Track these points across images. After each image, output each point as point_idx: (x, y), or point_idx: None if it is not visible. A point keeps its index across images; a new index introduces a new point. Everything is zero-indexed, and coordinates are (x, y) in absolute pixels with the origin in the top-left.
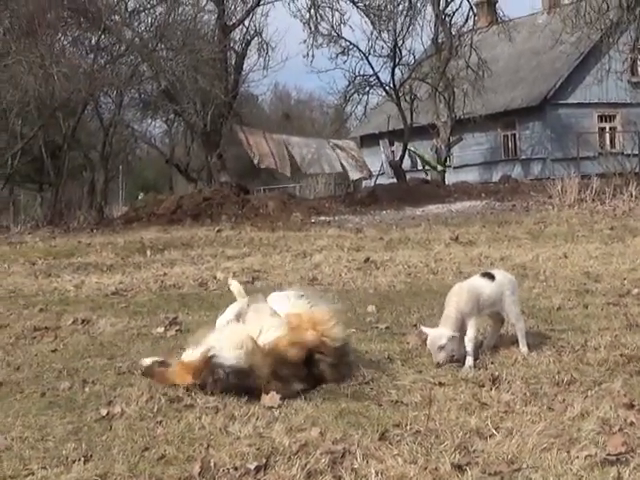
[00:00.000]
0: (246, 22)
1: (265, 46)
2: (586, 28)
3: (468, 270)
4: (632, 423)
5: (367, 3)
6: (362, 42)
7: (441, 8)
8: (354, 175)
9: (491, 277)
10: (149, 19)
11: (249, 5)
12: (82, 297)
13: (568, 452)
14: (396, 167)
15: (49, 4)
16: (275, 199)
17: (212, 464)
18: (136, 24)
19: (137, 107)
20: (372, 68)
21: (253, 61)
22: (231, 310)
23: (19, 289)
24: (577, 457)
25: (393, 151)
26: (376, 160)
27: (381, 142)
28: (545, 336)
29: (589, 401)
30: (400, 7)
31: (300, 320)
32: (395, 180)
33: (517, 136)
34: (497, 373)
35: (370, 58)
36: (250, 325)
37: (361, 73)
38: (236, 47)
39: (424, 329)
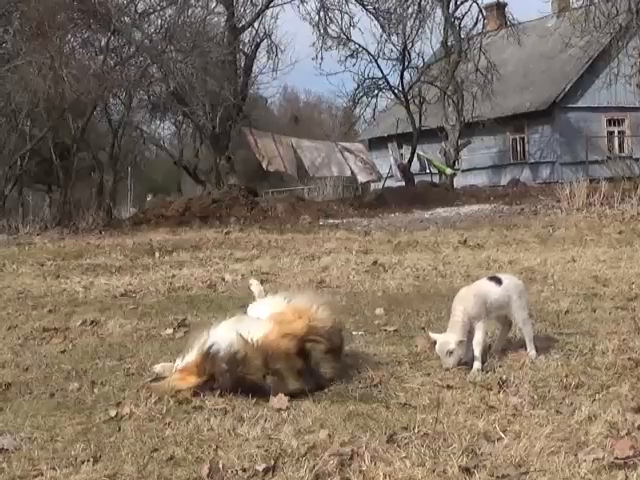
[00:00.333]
0: (255, 24)
1: (274, 48)
2: (595, 32)
3: (476, 273)
4: None
5: (377, 6)
6: (371, 45)
7: (450, 11)
8: (363, 178)
9: (498, 281)
10: (159, 21)
11: (259, 7)
12: (91, 298)
13: (576, 455)
14: (404, 170)
15: (59, 6)
16: (284, 201)
17: (220, 465)
18: (146, 26)
19: (146, 109)
20: (381, 71)
21: (262, 63)
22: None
23: (28, 290)
24: (585, 461)
25: (402, 154)
26: (385, 163)
27: (390, 145)
28: (553, 340)
29: (597, 405)
30: (409, 10)
31: (284, 315)
32: (403, 183)
33: (526, 140)
34: (505, 376)
35: (379, 61)
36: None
37: (370, 76)
38: (245, 49)
39: (432, 335)
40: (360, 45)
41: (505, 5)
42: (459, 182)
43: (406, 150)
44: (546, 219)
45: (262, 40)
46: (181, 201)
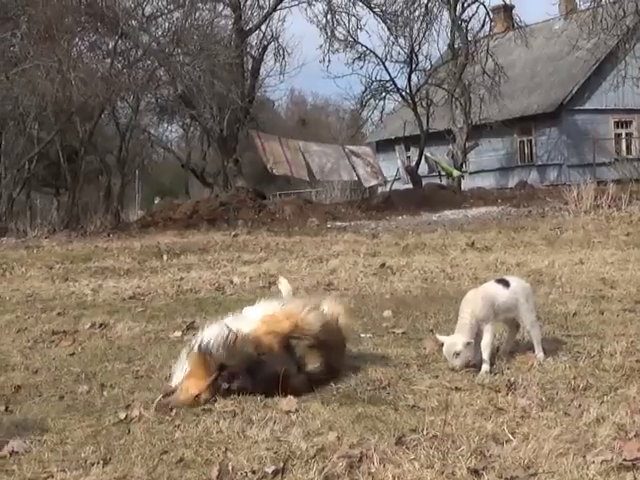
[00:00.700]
0: (263, 27)
1: (282, 51)
2: (603, 34)
3: (484, 276)
4: None
5: (384, 8)
6: (378, 47)
7: (457, 14)
8: (368, 183)
9: (506, 283)
10: (166, 24)
11: (266, 10)
12: (99, 301)
13: (584, 457)
14: (412, 172)
15: (67, 9)
16: (291, 204)
17: (230, 468)
18: (153, 29)
19: (154, 112)
20: (388, 73)
21: (270, 66)
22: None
23: (37, 293)
24: (593, 462)
25: (409, 157)
26: (392, 165)
27: (397, 147)
28: (561, 342)
29: (605, 407)
30: (417, 13)
31: (274, 317)
32: (411, 186)
33: (533, 142)
34: (513, 378)
35: (386, 63)
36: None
37: (377, 78)
38: (253, 52)
39: (439, 337)
40: (367, 48)
41: (512, 7)
42: (466, 184)
43: (413, 153)
44: (554, 221)
45: (269, 43)
46: (189, 204)
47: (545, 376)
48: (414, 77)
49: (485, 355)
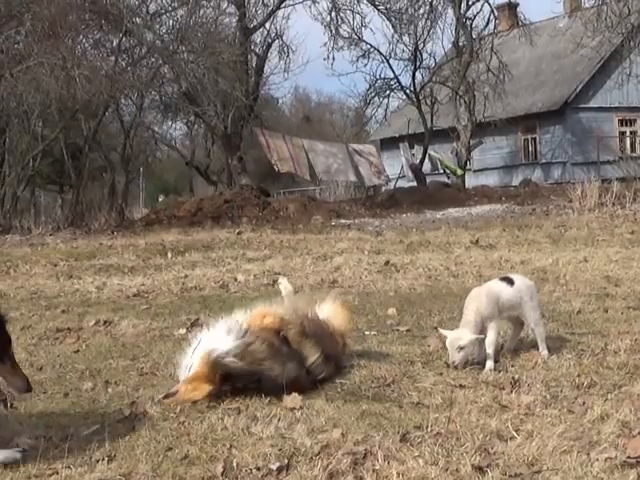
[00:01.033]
0: (267, 25)
1: (286, 49)
2: (607, 32)
3: (488, 273)
4: None
5: (388, 6)
6: (383, 45)
7: (462, 11)
8: (371, 182)
9: (510, 281)
10: (170, 21)
11: (270, 8)
12: (104, 299)
13: (588, 455)
14: (416, 170)
15: (71, 6)
16: (295, 202)
17: (235, 464)
18: (157, 26)
19: (158, 109)
20: (393, 71)
21: (274, 64)
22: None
23: (41, 290)
24: (597, 460)
25: (413, 154)
26: (396, 163)
27: (401, 145)
28: (565, 339)
29: (609, 404)
30: (421, 10)
31: (253, 320)
32: (415, 183)
33: (537, 140)
34: (517, 376)
35: (391, 61)
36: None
37: (382, 76)
38: (257, 50)
39: (443, 331)
40: (372, 45)
41: (517, 5)
42: (471, 182)
43: (418, 150)
44: (558, 219)
45: (273, 40)
46: (193, 201)
47: (549, 374)
48: (418, 75)
49: (489, 352)
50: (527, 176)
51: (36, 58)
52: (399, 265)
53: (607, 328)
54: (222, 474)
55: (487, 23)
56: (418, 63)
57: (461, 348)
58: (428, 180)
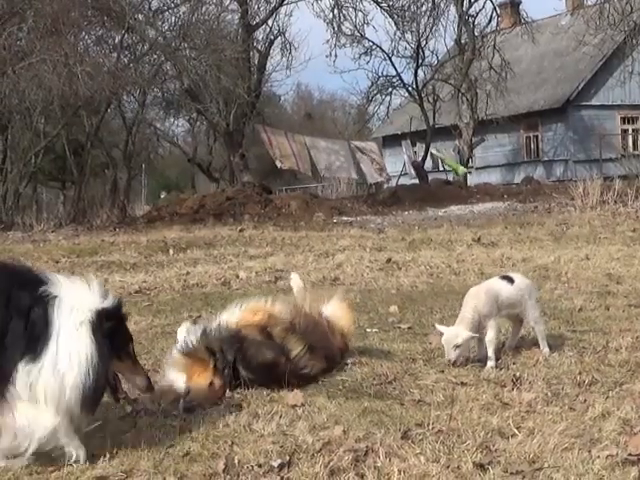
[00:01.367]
0: (269, 22)
1: (288, 46)
2: (609, 30)
3: (490, 271)
4: None
5: (390, 3)
6: (385, 43)
7: (464, 9)
8: (372, 179)
9: (510, 280)
10: (173, 18)
11: (272, 5)
12: None
13: (589, 452)
14: (418, 168)
15: (73, 3)
16: (297, 199)
17: (236, 461)
18: (160, 23)
19: (160, 106)
20: (395, 69)
21: (276, 61)
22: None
23: None
24: (598, 457)
25: (415, 152)
26: (398, 161)
27: (403, 143)
28: (567, 337)
29: (610, 402)
30: (423, 8)
31: (244, 318)
32: (417, 181)
33: (539, 137)
34: (519, 373)
35: (393, 59)
36: None
37: (384, 74)
38: (259, 47)
39: (439, 327)
40: (374, 43)
41: (519, 3)
42: (473, 180)
43: (420, 148)
44: (560, 217)
45: (276, 37)
46: (195, 198)
47: (551, 371)
48: (420, 72)
49: (490, 350)
50: (529, 174)
51: (38, 55)
52: (401, 262)
53: (608, 326)
54: (224, 471)
55: (489, 21)
56: (420, 60)
57: (457, 346)
58: (430, 178)
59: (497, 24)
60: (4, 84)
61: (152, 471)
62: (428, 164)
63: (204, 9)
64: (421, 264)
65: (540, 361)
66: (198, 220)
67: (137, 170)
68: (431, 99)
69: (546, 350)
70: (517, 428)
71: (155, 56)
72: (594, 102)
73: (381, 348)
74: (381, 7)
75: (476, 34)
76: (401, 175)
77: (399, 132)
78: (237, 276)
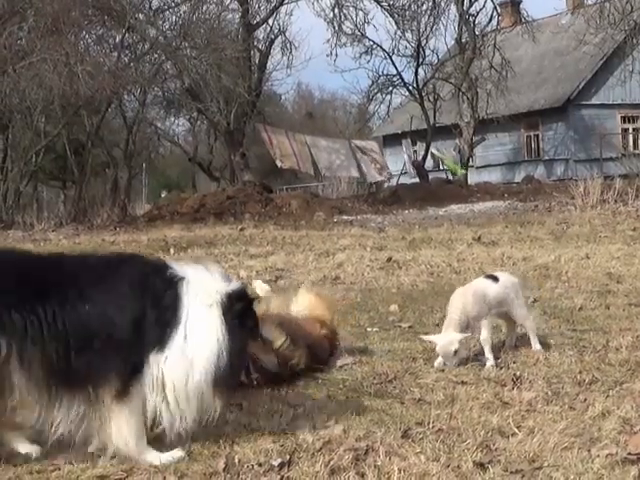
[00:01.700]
0: (270, 21)
1: (289, 45)
2: (610, 29)
3: (490, 270)
4: None
5: (391, 3)
6: (386, 42)
7: (465, 8)
8: (372, 178)
9: (495, 279)
10: (173, 17)
11: (273, 4)
12: None
13: (589, 451)
14: (418, 167)
15: (74, 2)
16: (298, 198)
17: (236, 460)
18: (160, 22)
19: (160, 105)
20: (395, 68)
21: (277, 60)
22: None
23: None
24: (598, 456)
25: (415, 151)
26: (399, 160)
27: (404, 142)
28: (567, 336)
29: (610, 401)
30: (424, 7)
31: None
32: (417, 180)
33: (540, 137)
34: (519, 372)
35: (394, 58)
36: None
37: (384, 73)
38: (260, 46)
39: (428, 337)
40: (374, 42)
41: (520, 2)
42: (473, 179)
43: (420, 147)
44: (560, 216)
45: (276, 37)
46: (195, 197)
47: (551, 370)
48: (421, 71)
49: (486, 350)
50: (530, 173)
51: (39, 54)
52: (401, 262)
53: (609, 325)
54: (224, 470)
55: (490, 20)
56: (421, 60)
57: (455, 352)
58: (430, 177)
59: (497, 23)
60: (5, 83)
61: (152, 470)
62: (429, 163)
63: (205, 8)
64: (421, 263)
65: (540, 360)
66: (199, 219)
67: (138, 169)
68: (432, 98)
69: (538, 347)
70: (517, 427)
71: (156, 55)
72: (594, 101)
73: (381, 347)
74: (381, 6)
75: (477, 33)
76: (401, 174)
77: (399, 131)
78: (238, 275)
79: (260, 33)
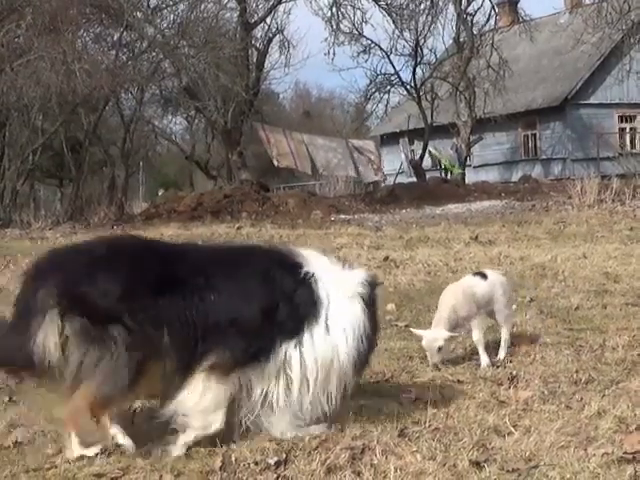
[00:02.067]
0: (268, 20)
1: (287, 44)
2: (607, 28)
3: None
4: None
5: (389, 2)
6: (384, 41)
7: (463, 7)
8: (368, 178)
9: (483, 276)
10: (171, 16)
11: (271, 3)
12: None
13: (585, 450)
14: (416, 166)
15: (71, 1)
16: (295, 197)
17: (233, 459)
18: (158, 21)
19: (158, 104)
20: (393, 67)
21: (274, 59)
22: None
23: None
24: (594, 455)
25: (413, 150)
26: (396, 159)
27: (401, 141)
28: (563, 335)
29: (606, 400)
30: (422, 6)
31: None
32: (415, 179)
33: (537, 136)
34: (515, 372)
35: (391, 57)
36: None
37: (382, 72)
38: (258, 45)
39: (415, 331)
40: (372, 41)
41: (517, 1)
42: (470, 178)
43: (418, 146)
44: (557, 215)
45: (274, 35)
46: (193, 196)
47: (547, 369)
48: (419, 70)
49: (480, 350)
50: (527, 172)
51: (37, 52)
52: (398, 261)
53: (605, 324)
54: (220, 468)
55: (488, 19)
56: (419, 59)
57: (440, 349)
58: (428, 176)
59: (495, 22)
60: (2, 81)
61: (149, 468)
62: (426, 162)
63: (203, 7)
64: (418, 262)
65: (537, 359)
66: (196, 218)
67: (135, 168)
68: (429, 97)
69: (502, 354)
70: (513, 426)
71: (153, 54)
72: (592, 101)
73: (378, 346)
74: (379, 5)
75: (474, 32)
76: (399, 173)
77: (397, 130)
78: None
79: (258, 32)
